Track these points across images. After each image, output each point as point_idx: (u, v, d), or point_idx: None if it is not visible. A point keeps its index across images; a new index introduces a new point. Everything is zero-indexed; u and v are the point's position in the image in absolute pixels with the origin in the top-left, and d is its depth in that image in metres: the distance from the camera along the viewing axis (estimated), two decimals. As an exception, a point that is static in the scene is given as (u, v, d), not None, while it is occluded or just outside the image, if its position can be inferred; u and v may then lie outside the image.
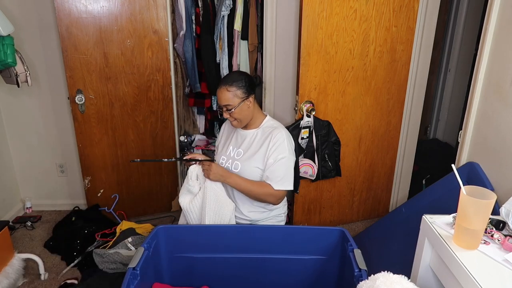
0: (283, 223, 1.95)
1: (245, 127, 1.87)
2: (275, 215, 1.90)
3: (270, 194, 1.76)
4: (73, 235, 2.44)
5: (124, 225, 2.37)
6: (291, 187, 1.81)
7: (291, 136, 1.86)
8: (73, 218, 2.62)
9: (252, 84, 1.81)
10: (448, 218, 1.29)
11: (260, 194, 1.76)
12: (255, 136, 1.84)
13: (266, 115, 1.90)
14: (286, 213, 1.99)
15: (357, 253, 1.45)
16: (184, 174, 2.14)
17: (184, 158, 1.85)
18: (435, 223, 1.27)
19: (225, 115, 1.79)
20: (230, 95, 1.75)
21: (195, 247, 1.67)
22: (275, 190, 1.75)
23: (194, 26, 2.86)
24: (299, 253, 1.66)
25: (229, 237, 1.65)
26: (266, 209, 1.87)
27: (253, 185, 1.77)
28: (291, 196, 2.74)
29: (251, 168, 1.79)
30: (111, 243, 2.22)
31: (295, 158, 1.85)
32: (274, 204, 1.82)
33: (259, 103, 3.11)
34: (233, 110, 1.75)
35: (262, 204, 1.84)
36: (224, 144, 1.96)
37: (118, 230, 2.33)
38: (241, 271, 1.68)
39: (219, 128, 3.43)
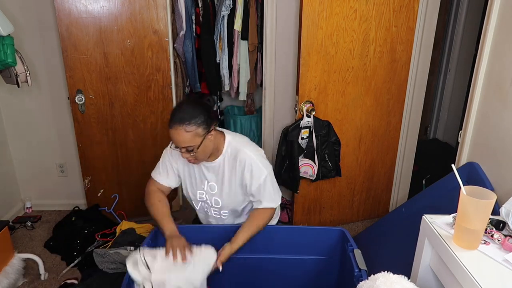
0: (274, 221, 1.86)
1: (208, 159, 1.63)
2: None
3: (269, 217, 1.65)
4: (73, 235, 2.44)
5: (124, 225, 2.37)
6: (275, 204, 1.69)
7: (257, 149, 1.68)
8: (73, 218, 2.62)
9: (210, 113, 1.55)
10: (448, 218, 1.29)
11: (263, 225, 1.63)
12: (223, 165, 1.63)
13: (224, 135, 1.64)
14: (275, 216, 1.87)
15: (357, 253, 1.45)
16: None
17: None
18: (435, 223, 1.27)
19: (185, 155, 1.53)
20: (190, 136, 1.46)
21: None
22: (270, 208, 1.65)
23: (194, 26, 2.86)
24: (299, 253, 1.66)
25: (230, 237, 1.63)
26: None
27: (251, 227, 1.59)
28: (291, 196, 2.74)
29: (232, 199, 1.68)
30: (111, 243, 2.22)
31: (271, 166, 1.69)
32: (270, 220, 1.70)
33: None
34: (195, 150, 1.49)
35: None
36: (191, 175, 1.71)
37: (118, 230, 2.32)
38: (241, 271, 1.68)
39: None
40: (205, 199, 1.73)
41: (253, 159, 1.59)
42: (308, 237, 1.65)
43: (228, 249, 1.52)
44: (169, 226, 1.54)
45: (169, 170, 1.71)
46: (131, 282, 1.36)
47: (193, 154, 1.51)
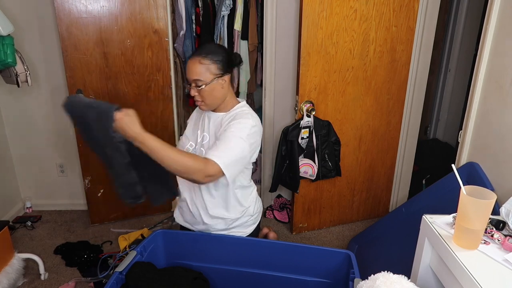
0: (251, 228, 1.73)
1: (214, 110, 1.59)
2: (241, 223, 1.68)
3: (200, 169, 1.33)
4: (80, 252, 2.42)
5: (121, 241, 2.37)
6: (229, 171, 1.40)
7: (260, 129, 1.56)
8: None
9: (231, 61, 1.54)
10: (448, 218, 1.29)
11: (188, 166, 1.32)
12: (222, 120, 1.56)
13: (242, 101, 1.62)
14: (255, 218, 1.73)
15: (356, 282, 1.30)
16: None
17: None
18: (435, 223, 1.27)
19: (192, 92, 1.50)
20: (203, 69, 1.45)
21: (194, 255, 1.62)
22: (208, 161, 1.36)
23: (194, 26, 2.86)
24: (302, 273, 1.56)
25: (231, 248, 1.60)
26: (226, 217, 1.62)
27: (178, 153, 1.32)
28: (291, 196, 2.74)
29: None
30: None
31: (249, 148, 1.48)
32: (200, 182, 1.40)
33: (255, 102, 3.13)
34: (203, 86, 1.46)
35: (222, 212, 1.61)
36: (193, 129, 1.67)
37: (126, 248, 2.31)
38: (240, 285, 1.62)
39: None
40: (190, 150, 1.60)
41: (248, 123, 1.47)
42: (312, 257, 1.54)
43: (134, 128, 1.27)
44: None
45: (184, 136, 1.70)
46: (113, 286, 1.32)
47: (200, 92, 1.48)
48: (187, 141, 1.65)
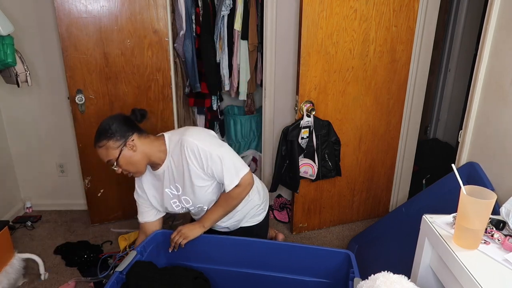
0: (262, 216, 1.85)
1: (153, 167, 1.62)
2: (249, 212, 1.81)
3: (238, 194, 1.61)
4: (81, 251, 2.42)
5: (121, 241, 2.37)
6: (244, 169, 1.61)
7: (199, 132, 1.63)
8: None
9: (126, 124, 1.55)
10: (448, 218, 1.29)
11: (234, 205, 1.63)
12: (171, 166, 1.59)
13: (164, 137, 1.62)
14: (264, 205, 1.87)
15: (356, 282, 1.33)
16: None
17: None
18: (435, 223, 1.27)
19: (117, 171, 1.55)
20: (104, 151, 1.50)
21: (194, 255, 1.63)
22: (238, 184, 1.58)
23: (194, 26, 2.86)
24: (302, 273, 1.57)
25: (231, 249, 1.61)
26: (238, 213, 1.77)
27: (221, 206, 1.62)
28: (291, 196, 2.74)
29: (200, 191, 1.62)
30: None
31: (224, 143, 1.64)
32: (250, 189, 1.66)
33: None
34: (116, 164, 1.51)
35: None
36: (157, 190, 1.70)
37: (126, 248, 2.31)
38: (240, 285, 1.62)
39: (219, 128, 3.43)
40: (178, 203, 1.69)
41: (193, 143, 1.53)
42: (312, 257, 1.55)
43: (200, 229, 1.60)
44: None
45: (144, 205, 1.72)
46: (114, 286, 1.33)
47: (118, 168, 1.52)
48: (168, 201, 1.68)
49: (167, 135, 1.61)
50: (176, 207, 1.69)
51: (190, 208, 1.71)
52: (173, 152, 1.56)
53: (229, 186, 1.57)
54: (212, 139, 1.60)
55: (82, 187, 2.72)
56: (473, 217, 1.11)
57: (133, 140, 1.52)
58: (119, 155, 1.49)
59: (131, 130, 1.53)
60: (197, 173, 1.56)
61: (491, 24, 1.61)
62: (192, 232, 1.59)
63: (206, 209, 1.71)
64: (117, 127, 1.50)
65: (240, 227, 1.84)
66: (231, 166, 1.56)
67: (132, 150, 1.51)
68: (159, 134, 1.64)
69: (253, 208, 1.82)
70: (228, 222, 1.78)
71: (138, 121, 1.60)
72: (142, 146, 1.53)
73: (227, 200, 1.62)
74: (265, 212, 1.85)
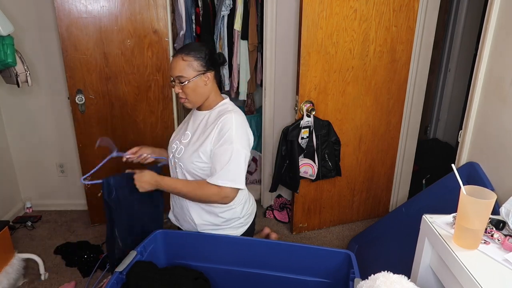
0: (241, 230, 1.71)
1: (199, 108, 1.62)
2: (227, 222, 1.67)
3: (214, 194, 1.49)
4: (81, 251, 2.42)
5: None
6: (239, 185, 1.50)
7: (246, 124, 1.57)
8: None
9: (214, 59, 1.56)
10: (448, 218, 1.29)
11: (202, 195, 1.50)
12: (204, 118, 1.58)
13: (225, 98, 1.63)
14: (244, 220, 1.71)
15: (356, 282, 1.31)
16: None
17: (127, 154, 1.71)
18: (435, 223, 1.27)
19: (176, 89, 1.53)
20: (185, 65, 1.48)
21: (194, 255, 1.62)
22: (218, 186, 1.47)
23: (194, 26, 2.86)
24: (302, 273, 1.56)
25: (231, 248, 1.59)
26: (216, 215, 1.64)
27: (190, 185, 1.52)
28: (291, 196, 2.74)
29: (189, 155, 1.55)
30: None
31: (247, 153, 1.54)
32: (223, 203, 1.55)
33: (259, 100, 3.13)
34: (186, 83, 1.49)
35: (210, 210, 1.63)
36: (181, 129, 1.72)
37: None
38: (240, 285, 1.61)
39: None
40: (175, 148, 1.64)
41: (233, 125, 1.49)
42: (312, 257, 1.53)
43: (150, 176, 1.56)
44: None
45: None
46: (114, 286, 1.33)
47: (183, 89, 1.51)
48: (174, 141, 1.70)
49: (227, 100, 1.63)
50: (171, 148, 1.68)
51: (174, 160, 1.65)
52: (217, 112, 1.57)
53: (212, 179, 1.48)
54: (244, 136, 1.54)
55: (82, 187, 2.72)
56: (473, 217, 1.11)
57: (209, 75, 1.54)
58: (193, 77, 1.50)
59: (213, 67, 1.56)
60: (205, 142, 1.52)
61: (491, 24, 1.61)
62: (144, 183, 1.56)
63: (179, 172, 1.64)
64: (208, 55, 1.53)
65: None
66: (232, 169, 1.48)
67: (204, 83, 1.53)
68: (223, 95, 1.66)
69: (232, 220, 1.68)
70: (198, 220, 1.65)
71: (221, 63, 1.62)
72: (212, 85, 1.57)
73: (200, 186, 1.51)
74: (245, 227, 1.72)
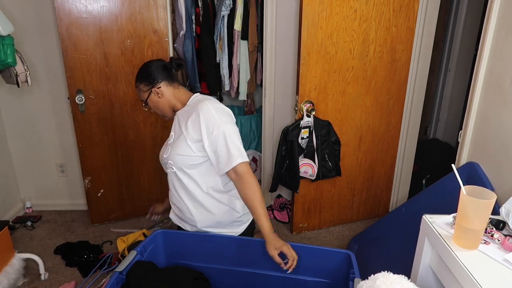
0: (241, 228, 1.70)
1: (175, 112, 1.68)
2: (224, 218, 1.66)
3: (240, 177, 1.48)
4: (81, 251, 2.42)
5: (120, 243, 2.35)
6: (243, 158, 1.48)
7: (220, 104, 1.59)
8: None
9: (160, 71, 1.63)
10: (448, 218, 1.29)
11: (249, 190, 1.48)
12: (181, 115, 1.62)
13: (195, 93, 1.66)
14: (244, 217, 1.70)
15: (356, 282, 1.29)
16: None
17: None
18: (435, 223, 1.27)
19: (147, 110, 1.74)
20: (138, 91, 1.66)
21: (194, 255, 1.62)
22: (233, 170, 1.47)
23: (194, 26, 2.86)
24: (302, 273, 1.54)
25: (231, 248, 1.58)
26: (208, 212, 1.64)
27: (257, 200, 1.49)
28: (291, 196, 2.74)
29: (175, 148, 1.57)
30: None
31: (233, 126, 1.54)
32: (251, 180, 1.49)
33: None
34: (145, 104, 1.66)
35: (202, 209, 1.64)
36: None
37: (125, 249, 2.28)
38: (240, 285, 1.61)
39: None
40: (164, 151, 1.66)
41: (209, 109, 1.50)
42: (312, 257, 1.51)
43: (277, 240, 1.46)
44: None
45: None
46: (113, 286, 1.32)
47: (149, 108, 1.67)
48: (164, 147, 1.72)
49: (197, 94, 1.68)
50: (162, 153, 1.68)
51: (164, 161, 1.65)
52: (189, 107, 1.62)
53: (226, 167, 1.48)
54: (225, 118, 1.54)
55: (82, 187, 2.72)
56: (473, 217, 1.11)
57: (159, 87, 1.63)
58: (146, 98, 1.64)
59: (161, 78, 1.64)
60: (185, 137, 1.53)
61: (491, 24, 1.61)
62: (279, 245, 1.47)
63: (170, 173, 1.64)
64: (150, 73, 1.64)
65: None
66: (231, 147, 1.48)
67: (158, 96, 1.64)
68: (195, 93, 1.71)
69: (231, 213, 1.67)
70: (199, 220, 1.64)
71: (174, 69, 1.72)
72: (168, 94, 1.65)
73: (246, 189, 1.48)
74: (245, 225, 1.71)
